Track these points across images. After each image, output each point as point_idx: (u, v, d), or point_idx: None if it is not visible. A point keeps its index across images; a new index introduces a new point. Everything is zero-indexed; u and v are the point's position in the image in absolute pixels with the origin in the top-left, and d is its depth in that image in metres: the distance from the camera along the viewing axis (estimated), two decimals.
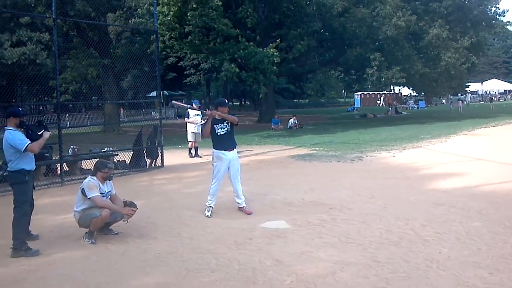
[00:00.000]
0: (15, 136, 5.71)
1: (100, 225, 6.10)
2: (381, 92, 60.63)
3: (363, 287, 4.44)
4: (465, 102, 46.06)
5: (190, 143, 14.52)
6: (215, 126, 7.37)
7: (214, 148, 7.50)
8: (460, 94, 54.35)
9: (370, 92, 62.93)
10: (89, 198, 5.99)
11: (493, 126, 22.01)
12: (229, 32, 23.95)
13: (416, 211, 7.23)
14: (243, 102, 68.18)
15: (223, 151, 7.40)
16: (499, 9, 33.23)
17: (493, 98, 49.70)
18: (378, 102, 50.09)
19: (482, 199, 7.96)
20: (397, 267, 4.90)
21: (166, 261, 5.34)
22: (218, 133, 7.41)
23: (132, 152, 12.47)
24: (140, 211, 6.85)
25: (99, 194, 6.03)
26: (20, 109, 6.16)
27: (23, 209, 5.76)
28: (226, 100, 7.94)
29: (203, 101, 55.40)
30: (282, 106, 51.26)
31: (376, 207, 7.52)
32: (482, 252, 5.35)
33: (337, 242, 5.82)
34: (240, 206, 7.48)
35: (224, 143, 7.42)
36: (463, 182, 9.38)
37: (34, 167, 6.04)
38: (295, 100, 66.82)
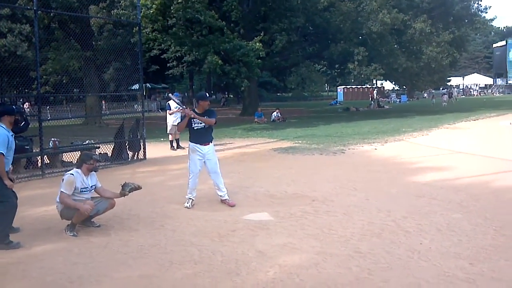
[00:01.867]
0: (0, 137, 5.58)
1: (83, 218, 6.05)
2: (363, 86, 61.09)
3: (346, 278, 4.46)
4: (452, 96, 46.42)
5: (170, 136, 14.45)
6: (192, 120, 7.33)
7: (189, 141, 7.50)
8: (441, 88, 54.89)
9: (353, 86, 63.32)
10: (60, 191, 5.94)
11: (474, 120, 22.30)
12: (215, 24, 23.80)
13: (397, 203, 7.30)
14: (226, 95, 68.01)
15: (198, 145, 7.40)
16: (481, 5, 33.65)
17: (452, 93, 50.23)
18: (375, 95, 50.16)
19: (462, 191, 8.06)
20: (379, 258, 4.94)
21: (149, 253, 5.31)
22: (194, 127, 7.39)
23: (114, 145, 12.37)
24: (122, 204, 6.83)
25: (70, 194, 5.95)
26: (14, 107, 6.07)
27: (10, 203, 5.65)
28: (207, 94, 7.91)
29: (186, 94, 55.16)
30: (265, 100, 51.30)
31: (358, 199, 7.58)
32: (463, 243, 5.42)
33: (320, 233, 5.85)
34: (222, 199, 7.48)
35: (199, 137, 7.41)
36: (444, 175, 9.48)
37: (10, 167, 5.94)
38: (278, 94, 66.96)
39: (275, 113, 26.49)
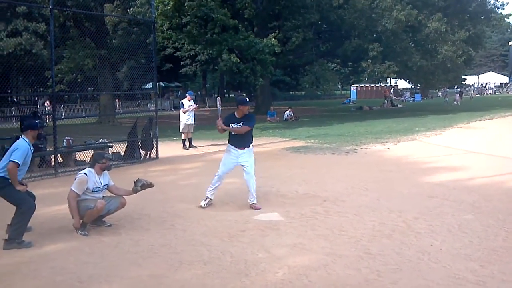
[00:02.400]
0: (21, 148, 5.66)
1: (94, 217, 6.11)
2: (377, 85, 60.73)
3: (355, 279, 4.45)
4: (469, 95, 45.90)
5: (183, 135, 14.49)
6: (231, 124, 7.37)
7: (228, 141, 7.59)
8: (456, 87, 54.38)
9: (367, 85, 62.95)
10: (70, 189, 6.02)
11: (488, 119, 22.05)
12: (228, 22, 23.82)
13: (409, 203, 7.26)
14: (244, 94, 68.10)
15: (233, 147, 7.44)
16: (498, 1, 33.23)
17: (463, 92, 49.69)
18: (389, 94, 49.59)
19: (475, 192, 7.99)
20: (388, 260, 4.92)
21: (159, 253, 5.34)
22: (232, 132, 7.42)
23: (126, 144, 12.45)
24: (134, 203, 6.87)
25: (79, 194, 6.02)
26: (37, 121, 6.14)
27: (27, 204, 5.72)
28: (247, 98, 7.88)
29: (199, 92, 55.32)
30: (278, 98, 51.22)
31: (369, 200, 7.55)
32: (474, 244, 5.38)
33: (330, 234, 5.84)
34: (250, 203, 7.37)
35: (236, 141, 7.45)
36: (457, 175, 9.41)
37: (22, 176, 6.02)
38: (291, 92, 66.78)
39: (287, 112, 26.44)
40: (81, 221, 6.06)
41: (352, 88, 63.49)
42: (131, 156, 12.23)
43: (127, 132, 12.81)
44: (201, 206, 7.29)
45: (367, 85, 62.71)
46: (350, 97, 58.23)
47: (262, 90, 31.73)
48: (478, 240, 5.52)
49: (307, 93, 57.59)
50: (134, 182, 6.44)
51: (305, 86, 31.88)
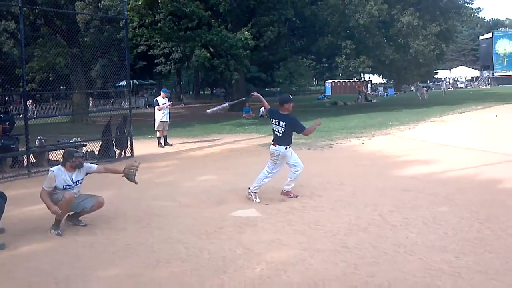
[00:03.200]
0: None
1: (65, 209, 5.95)
2: (351, 80, 61.25)
3: (332, 273, 4.48)
4: (441, 89, 46.62)
5: (158, 132, 14.38)
6: (272, 120, 7.47)
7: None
8: (428, 82, 55.25)
9: (341, 80, 63.46)
10: (42, 186, 5.94)
11: (460, 113, 22.44)
12: (201, 15, 23.65)
13: (384, 197, 7.34)
14: (214, 91, 67.88)
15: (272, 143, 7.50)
16: None
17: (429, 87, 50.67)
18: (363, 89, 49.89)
19: (449, 184, 8.13)
20: (365, 253, 4.97)
21: (135, 252, 5.29)
22: (272, 128, 7.50)
23: (100, 143, 12.29)
24: (109, 202, 6.78)
25: (49, 190, 5.93)
26: (1, 116, 5.99)
27: None
28: (290, 95, 7.83)
29: (173, 90, 54.96)
30: None
31: (345, 194, 7.61)
32: (449, 236, 5.46)
33: (307, 229, 5.86)
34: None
35: (274, 137, 7.52)
36: (431, 168, 9.55)
37: None
38: (266, 89, 66.85)
39: (263, 108, 26.38)
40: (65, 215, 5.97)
41: (326, 84, 63.94)
42: (105, 155, 12.08)
43: (101, 131, 12.65)
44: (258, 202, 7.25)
45: (341, 80, 63.23)
46: (324, 92, 58.57)
47: (237, 86, 31.68)
48: (452, 232, 5.60)
49: (283, 90, 57.73)
50: (128, 170, 6.40)
51: (279, 81, 32.06)
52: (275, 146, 7.40)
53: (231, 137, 16.33)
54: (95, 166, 6.50)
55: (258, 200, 7.27)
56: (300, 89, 56.14)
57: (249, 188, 7.46)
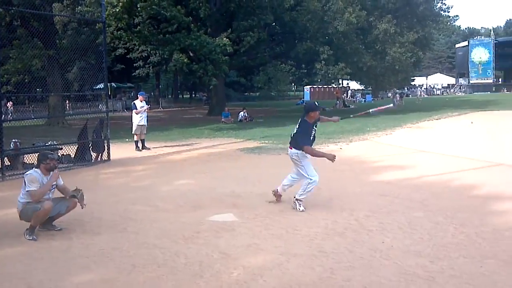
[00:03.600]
0: None
1: (42, 219, 5.88)
2: (330, 86, 61.63)
3: (309, 278, 4.48)
4: (403, 97, 47.09)
5: (135, 136, 14.27)
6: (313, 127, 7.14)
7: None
8: (405, 89, 55.94)
9: (320, 86, 63.81)
10: (27, 191, 5.80)
11: (436, 119, 22.77)
12: (181, 19, 23.58)
13: (361, 202, 7.39)
14: (196, 95, 67.69)
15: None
16: (444, 4, 34.43)
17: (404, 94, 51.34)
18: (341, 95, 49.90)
19: (424, 190, 8.22)
20: (341, 257, 4.99)
21: (111, 257, 5.22)
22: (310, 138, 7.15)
23: (77, 146, 12.14)
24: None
25: (37, 189, 5.82)
26: None
27: None
28: (316, 103, 7.56)
29: (152, 93, 54.63)
30: (233, 99, 51.25)
31: (323, 199, 7.64)
32: (424, 241, 5.52)
33: (284, 233, 5.87)
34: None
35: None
36: (407, 174, 9.65)
37: None
38: (245, 93, 67.01)
39: (242, 112, 26.48)
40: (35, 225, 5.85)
41: (305, 89, 64.24)
42: (81, 159, 11.93)
43: (77, 134, 12.50)
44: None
45: (320, 86, 63.58)
46: (303, 98, 58.88)
47: (216, 91, 31.66)
48: (427, 236, 5.66)
49: (262, 94, 57.94)
50: (75, 191, 6.26)
51: (257, 86, 32.11)
52: (291, 149, 7.18)
53: (210, 142, 16.30)
54: (62, 182, 6.30)
55: (302, 208, 6.95)
56: (279, 94, 56.35)
57: (294, 197, 7.13)
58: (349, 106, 41.32)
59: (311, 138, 7.15)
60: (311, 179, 7.00)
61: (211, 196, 7.99)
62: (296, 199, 7.03)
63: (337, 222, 6.29)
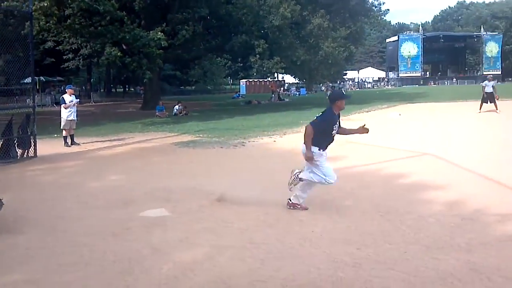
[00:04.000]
0: None
1: None
2: (265, 80, 62.13)
3: (239, 270, 4.51)
4: (342, 89, 48.42)
5: (64, 131, 13.80)
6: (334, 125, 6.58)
7: (316, 144, 6.57)
8: (338, 82, 57.30)
9: (255, 80, 64.20)
10: None
11: (367, 111, 23.49)
12: (115, 14, 22.93)
13: (293, 193, 7.49)
14: (127, 89, 66.21)
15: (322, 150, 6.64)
16: (376, 0, 35.56)
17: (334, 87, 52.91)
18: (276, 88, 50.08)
19: (353, 179, 8.46)
20: (272, 248, 5.06)
21: (36, 256, 5.03)
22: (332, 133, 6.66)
23: (1, 142, 11.58)
24: (9, 205, 6.40)
25: None
26: None
27: None
28: (343, 91, 6.94)
29: (83, 87, 53.01)
30: (168, 93, 50.55)
31: (255, 191, 7.69)
32: (351, 229, 5.69)
33: (216, 227, 5.87)
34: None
35: (327, 143, 6.77)
36: (337, 164, 9.82)
37: None
38: (181, 87, 66.25)
39: (177, 106, 26.20)
40: None
41: (241, 83, 64.45)
42: (6, 156, 11.39)
43: (1, 130, 11.93)
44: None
45: (255, 80, 63.97)
46: (239, 91, 59.03)
47: (150, 84, 31.10)
48: (355, 225, 5.84)
49: (198, 88, 57.48)
50: None
51: (192, 80, 31.84)
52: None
53: (143, 136, 16.02)
54: None
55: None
56: (215, 88, 56.19)
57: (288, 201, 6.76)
58: (284, 100, 41.85)
59: (332, 131, 6.68)
60: (326, 181, 6.41)
61: (143, 191, 7.87)
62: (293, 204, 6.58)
63: (268, 214, 6.37)
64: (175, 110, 25.78)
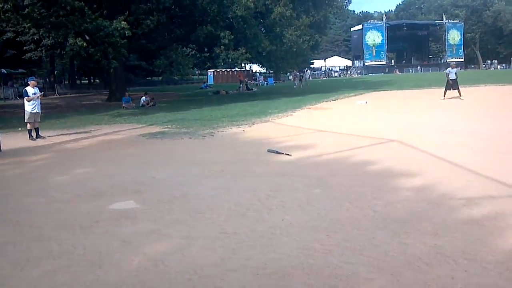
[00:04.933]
0: None
1: None
2: (232, 70, 62.01)
3: (211, 259, 4.51)
4: (304, 78, 48.61)
5: (29, 125, 13.49)
6: None
7: None
8: (305, 70, 57.55)
9: (223, 69, 64.00)
10: None
11: (334, 100, 23.70)
12: (73, 4, 22.43)
13: (262, 182, 7.53)
14: (92, 80, 65.05)
15: None
16: None
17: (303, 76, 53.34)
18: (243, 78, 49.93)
19: (322, 167, 8.54)
20: (243, 237, 5.07)
21: (2, 252, 4.91)
22: None
23: None
24: None
25: None
26: None
27: None
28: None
29: (47, 79, 51.84)
30: (134, 84, 49.98)
31: (226, 181, 7.70)
32: (321, 216, 5.74)
33: (187, 217, 5.85)
34: None
35: None
36: (306, 153, 9.97)
37: None
38: (148, 78, 65.51)
39: (144, 97, 25.90)
40: None
41: (209, 73, 64.20)
42: None
43: None
44: None
45: (223, 70, 63.77)
46: (207, 81, 58.76)
47: (116, 75, 30.61)
48: (324, 212, 5.90)
49: (165, 79, 56.92)
50: None
51: (158, 71, 31.48)
52: None
53: (110, 128, 15.79)
54: None
55: None
56: (182, 78, 55.69)
57: None
58: (252, 89, 41.84)
59: None
60: None
61: (112, 184, 7.77)
62: None
63: (240, 203, 6.37)
64: (142, 101, 25.47)
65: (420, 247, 4.64)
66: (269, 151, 10.15)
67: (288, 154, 9.67)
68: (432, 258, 4.38)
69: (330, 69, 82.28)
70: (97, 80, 63.36)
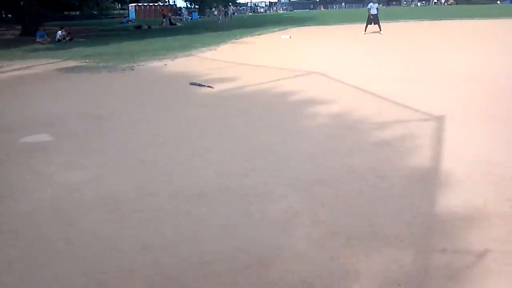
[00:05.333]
0: None
1: None
2: (155, 4, 59.79)
3: (128, 186, 4.47)
4: (228, 13, 47.78)
5: None
6: None
7: None
8: (228, 5, 56.45)
9: (145, 4, 61.50)
10: None
11: (259, 35, 23.54)
12: None
13: (183, 113, 7.49)
14: (3, 15, 60.51)
15: None
16: None
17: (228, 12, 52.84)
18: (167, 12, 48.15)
19: (244, 98, 8.58)
20: (162, 165, 5.05)
21: None
22: None
23: None
24: None
25: None
26: None
27: None
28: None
29: None
30: (50, 19, 47.08)
31: (145, 114, 7.57)
32: (239, 143, 5.79)
33: (103, 148, 5.73)
34: None
35: None
36: (228, 85, 9.95)
37: None
38: (65, 12, 61.83)
39: (60, 32, 24.48)
40: None
41: (130, 7, 61.48)
42: None
43: None
44: None
45: (145, 4, 61.31)
46: (128, 16, 56.38)
47: (29, 9, 28.62)
48: (243, 139, 5.97)
49: (83, 13, 54.05)
50: None
51: (75, 4, 29.81)
52: None
53: (24, 63, 14.89)
54: None
55: None
56: (102, 13, 53.15)
57: None
58: (176, 24, 40.69)
59: None
60: None
61: (23, 117, 7.43)
62: None
63: (159, 134, 6.31)
64: (58, 36, 24.09)
65: (333, 166, 4.84)
66: (191, 84, 10.03)
67: (211, 87, 9.61)
68: (343, 175, 4.59)
69: (256, 4, 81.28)
70: (9, 15, 58.98)
